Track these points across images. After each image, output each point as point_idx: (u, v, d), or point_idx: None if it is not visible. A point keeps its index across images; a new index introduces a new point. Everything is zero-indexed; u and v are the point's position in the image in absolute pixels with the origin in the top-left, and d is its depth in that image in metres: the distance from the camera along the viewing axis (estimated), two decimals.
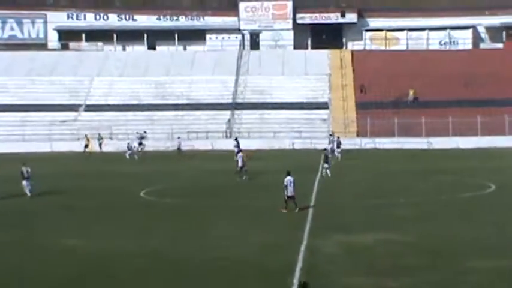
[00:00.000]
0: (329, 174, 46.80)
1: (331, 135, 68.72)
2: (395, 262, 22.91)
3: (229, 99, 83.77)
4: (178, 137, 71.31)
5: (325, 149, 51.48)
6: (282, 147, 71.07)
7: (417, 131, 75.23)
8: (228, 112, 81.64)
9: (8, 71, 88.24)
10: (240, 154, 47.63)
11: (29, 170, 40.35)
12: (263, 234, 27.96)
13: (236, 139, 64.46)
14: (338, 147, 62.44)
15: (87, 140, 70.31)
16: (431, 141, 73.87)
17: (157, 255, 24.48)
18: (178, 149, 68.07)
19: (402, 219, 30.91)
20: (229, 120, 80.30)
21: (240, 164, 46.43)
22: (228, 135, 78.90)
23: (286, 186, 32.44)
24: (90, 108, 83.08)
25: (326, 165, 47.13)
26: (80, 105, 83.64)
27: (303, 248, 25.08)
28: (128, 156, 64.57)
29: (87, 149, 68.47)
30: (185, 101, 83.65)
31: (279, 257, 23.77)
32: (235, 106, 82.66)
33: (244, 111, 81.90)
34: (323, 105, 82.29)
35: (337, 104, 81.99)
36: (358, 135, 77.05)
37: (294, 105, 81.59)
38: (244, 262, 23.28)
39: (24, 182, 39.90)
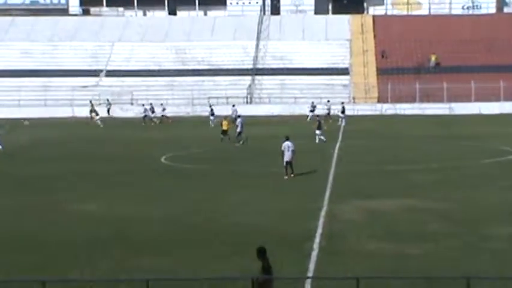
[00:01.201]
0: (324, 139, 46.96)
1: (328, 101, 68.81)
2: (416, 228, 22.81)
3: (249, 65, 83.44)
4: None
5: (317, 116, 51.27)
6: (302, 113, 70.77)
7: (438, 97, 74.67)
8: (249, 78, 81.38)
9: (30, 37, 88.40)
10: (239, 119, 48.17)
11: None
12: (283, 200, 27.93)
13: (234, 105, 65.06)
14: (343, 112, 62.77)
15: (92, 105, 70.58)
16: (452, 107, 73.31)
17: (177, 220, 24.55)
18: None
19: (423, 185, 30.75)
20: (249, 86, 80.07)
21: (238, 129, 47.25)
22: (249, 100, 78.76)
23: (283, 151, 32.39)
24: (111, 73, 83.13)
25: (318, 132, 47.31)
26: (101, 71, 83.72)
27: (323, 213, 25.05)
28: (144, 123, 64.79)
29: (92, 115, 68.77)
30: (205, 67, 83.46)
31: (298, 223, 23.73)
32: (255, 72, 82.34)
33: (265, 77, 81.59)
34: (344, 71, 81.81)
35: (357, 69, 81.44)
36: (379, 101, 76.62)
37: (315, 71, 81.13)
38: (264, 228, 23.25)
39: None
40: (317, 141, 47.05)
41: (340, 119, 61.88)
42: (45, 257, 20.09)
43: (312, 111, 67.12)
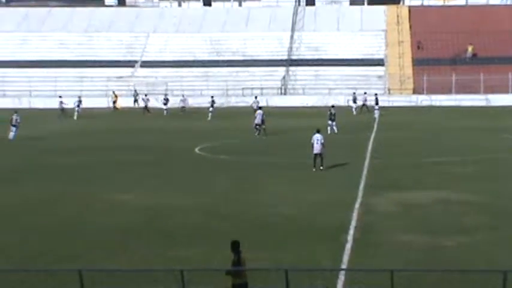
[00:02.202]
0: (335, 131, 46.83)
1: (365, 92, 68.34)
2: (452, 221, 22.66)
3: (284, 56, 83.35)
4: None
5: (332, 106, 50.85)
6: (337, 104, 70.48)
7: (475, 88, 73.99)
8: (283, 69, 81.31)
9: (66, 27, 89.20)
10: (259, 111, 48.19)
11: (18, 119, 46.61)
12: (317, 192, 27.89)
13: (256, 97, 65.02)
14: (377, 103, 62.46)
15: (115, 96, 70.92)
16: (489, 99, 72.56)
17: (211, 210, 24.65)
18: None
19: (460, 177, 30.51)
20: (284, 77, 79.98)
21: (256, 120, 47.36)
22: (283, 92, 78.66)
23: (312, 144, 32.34)
24: (146, 64, 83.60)
25: (330, 122, 47.20)
26: (136, 62, 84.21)
27: (357, 205, 24.98)
28: (165, 113, 65.03)
29: (115, 105, 68.98)
30: (240, 58, 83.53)
31: (332, 215, 23.70)
32: (290, 63, 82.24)
33: (299, 68, 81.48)
34: (379, 62, 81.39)
35: (393, 60, 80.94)
36: (414, 92, 76.14)
37: (350, 62, 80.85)
38: (297, 219, 23.26)
39: (12, 128, 46.02)
40: (329, 132, 46.82)
41: (374, 111, 61.66)
42: (81, 245, 20.31)
43: (354, 101, 66.67)
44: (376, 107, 62.29)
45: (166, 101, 67.61)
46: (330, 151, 33.94)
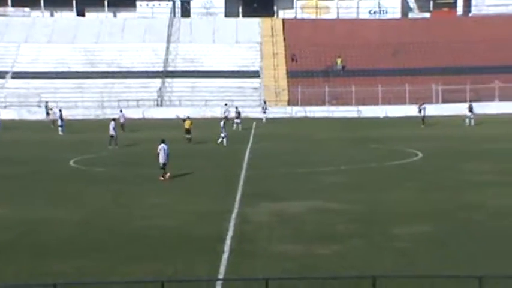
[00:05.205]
0: (240, 129, 47.85)
1: (225, 104, 69.80)
2: (324, 229, 23.26)
3: (160, 68, 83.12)
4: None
5: (225, 118, 51.89)
6: (213, 115, 70.93)
7: (347, 100, 76.11)
8: (159, 80, 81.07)
9: None
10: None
11: None
12: (194, 203, 28.01)
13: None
14: (238, 117, 61.80)
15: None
16: (360, 110, 74.82)
17: (86, 224, 24.33)
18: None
19: (331, 187, 31.34)
20: (160, 89, 79.75)
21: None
22: (159, 103, 78.40)
23: (158, 153, 33.30)
24: (17, 75, 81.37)
25: (237, 120, 48.59)
26: (6, 72, 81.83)
27: (234, 215, 25.26)
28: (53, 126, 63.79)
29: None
30: (115, 69, 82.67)
31: (209, 225, 23.87)
32: (166, 74, 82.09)
33: (175, 80, 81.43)
34: (254, 74, 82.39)
35: (268, 72, 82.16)
36: (289, 104, 77.52)
37: (225, 74, 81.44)
38: (174, 231, 23.31)
39: None
40: (234, 128, 47.99)
41: (234, 124, 61.19)
42: None
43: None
44: (237, 120, 61.46)
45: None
46: (207, 162, 34.15)
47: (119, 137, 48.95)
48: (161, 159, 33.20)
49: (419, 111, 64.36)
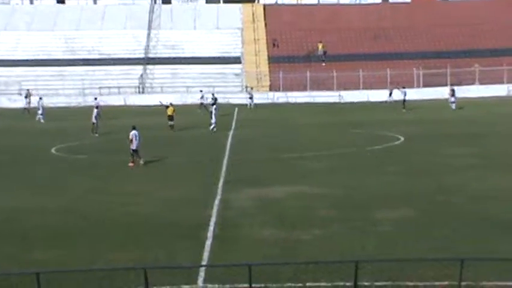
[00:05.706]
0: (211, 129, 47.87)
1: (201, 91, 69.31)
2: (307, 214, 23.34)
3: (141, 54, 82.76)
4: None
5: (201, 104, 51.86)
6: (195, 102, 70.79)
7: (328, 85, 76.18)
8: (141, 67, 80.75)
9: None
10: (214, 106, 49.98)
11: None
12: (176, 189, 28.01)
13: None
14: (214, 103, 61.39)
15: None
16: (342, 95, 74.92)
17: (68, 211, 24.28)
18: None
19: (314, 172, 31.42)
20: (141, 76, 79.46)
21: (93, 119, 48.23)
22: (141, 90, 78.14)
23: (131, 140, 33.52)
24: None
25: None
26: None
27: (216, 202, 25.28)
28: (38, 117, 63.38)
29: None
30: (96, 56, 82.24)
31: (192, 212, 23.90)
32: (147, 61, 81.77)
33: (157, 66, 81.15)
34: (236, 60, 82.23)
35: (249, 58, 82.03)
36: (271, 89, 77.49)
37: (207, 60, 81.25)
38: (157, 217, 23.30)
39: None
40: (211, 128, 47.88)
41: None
42: None
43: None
44: (214, 107, 61.23)
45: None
46: (190, 148, 34.14)
47: (99, 125, 48.78)
48: (134, 146, 33.47)
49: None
